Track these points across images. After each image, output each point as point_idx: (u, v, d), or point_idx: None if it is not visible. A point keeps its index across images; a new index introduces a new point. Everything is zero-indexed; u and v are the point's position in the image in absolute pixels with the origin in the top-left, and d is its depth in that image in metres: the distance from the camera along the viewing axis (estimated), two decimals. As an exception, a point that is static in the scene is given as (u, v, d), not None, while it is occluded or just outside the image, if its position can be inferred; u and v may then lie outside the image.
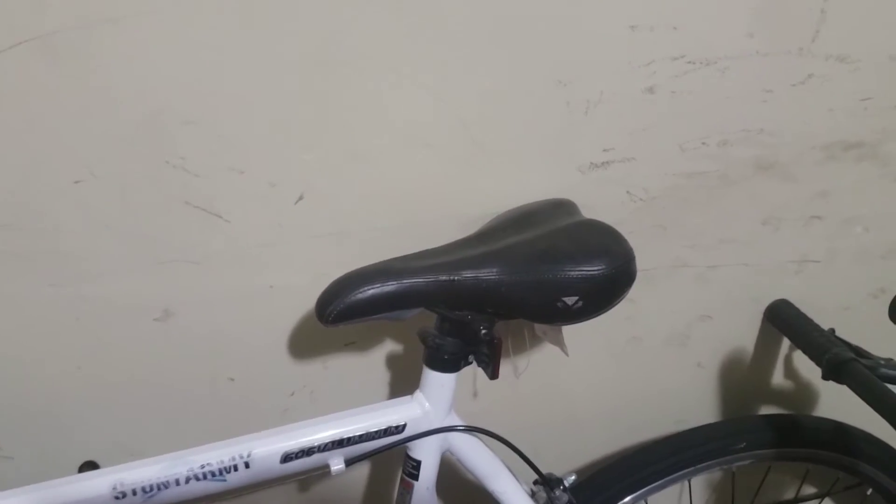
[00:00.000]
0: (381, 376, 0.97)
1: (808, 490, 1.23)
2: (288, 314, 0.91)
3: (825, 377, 0.90)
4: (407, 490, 0.85)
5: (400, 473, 0.85)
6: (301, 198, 0.83)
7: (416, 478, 0.84)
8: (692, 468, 1.00)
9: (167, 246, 0.83)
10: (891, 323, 1.08)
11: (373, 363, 0.96)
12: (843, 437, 1.06)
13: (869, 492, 1.16)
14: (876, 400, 0.83)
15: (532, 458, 0.83)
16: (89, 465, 0.93)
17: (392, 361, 0.96)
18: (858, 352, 0.92)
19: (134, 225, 0.81)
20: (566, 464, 1.11)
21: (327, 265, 0.85)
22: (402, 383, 0.98)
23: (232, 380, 0.93)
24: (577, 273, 0.75)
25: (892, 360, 0.91)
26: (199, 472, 0.76)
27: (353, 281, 0.74)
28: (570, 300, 0.76)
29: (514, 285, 0.75)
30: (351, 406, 0.97)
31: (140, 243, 0.82)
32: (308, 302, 0.87)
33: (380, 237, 0.87)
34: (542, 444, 1.03)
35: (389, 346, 0.96)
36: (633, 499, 0.99)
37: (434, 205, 0.87)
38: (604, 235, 0.79)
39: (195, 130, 0.77)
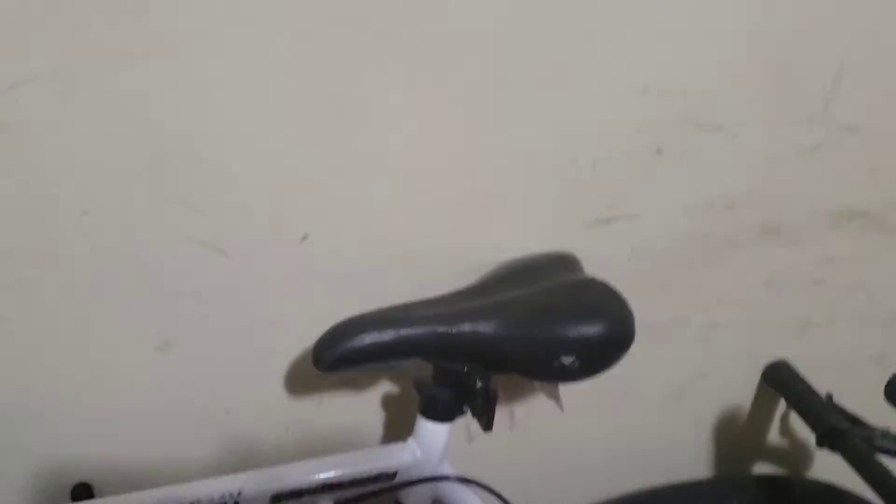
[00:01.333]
0: (376, 417, 0.97)
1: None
2: (286, 351, 0.91)
3: (819, 444, 0.89)
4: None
5: (390, 519, 0.85)
6: (305, 237, 0.84)
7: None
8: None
9: (169, 279, 0.83)
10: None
11: (368, 403, 0.96)
12: (832, 501, 1.06)
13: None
14: (866, 472, 0.83)
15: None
16: (83, 487, 0.94)
17: (387, 402, 0.96)
18: (855, 421, 0.91)
19: (138, 257, 0.81)
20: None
21: (327, 305, 0.84)
22: (397, 425, 0.98)
23: (228, 412, 0.94)
24: (574, 333, 0.75)
25: (888, 430, 0.91)
26: (188, 509, 0.76)
27: (351, 328, 0.74)
28: (566, 360, 0.76)
29: (511, 341, 0.75)
30: (345, 443, 0.98)
31: (143, 275, 0.82)
32: (306, 340, 0.86)
33: (380, 280, 0.87)
34: (535, 494, 1.04)
35: (385, 387, 0.96)
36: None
37: (436, 252, 0.87)
38: (603, 296, 0.79)
39: (203, 169, 0.78)
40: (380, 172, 0.82)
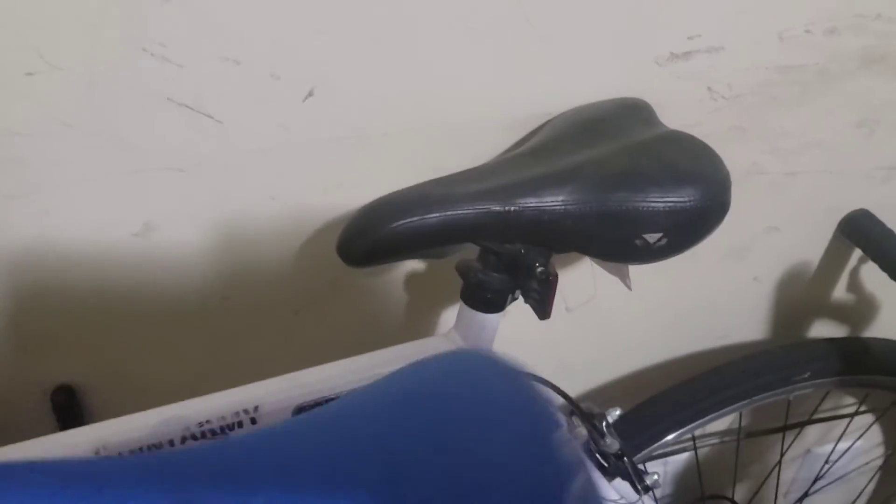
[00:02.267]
0: (403, 302, 0.84)
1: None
2: (291, 229, 0.76)
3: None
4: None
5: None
6: (311, 94, 0.67)
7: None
8: (747, 401, 0.89)
9: (146, 151, 0.67)
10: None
11: (392, 285, 0.82)
12: (908, 361, 0.97)
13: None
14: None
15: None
16: (63, 389, 0.82)
17: (418, 286, 0.82)
18: (957, 280, 0.80)
19: (105, 125, 0.64)
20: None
21: (341, 174, 0.71)
22: (430, 312, 0.85)
23: (226, 299, 0.79)
24: (663, 204, 0.60)
25: None
26: (196, 430, 0.64)
27: (385, 212, 0.59)
28: (651, 237, 0.61)
29: (583, 217, 0.60)
30: (364, 331, 0.85)
31: (113, 147, 0.66)
32: (316, 216, 0.74)
33: (406, 142, 0.71)
34: (581, 375, 0.93)
35: (413, 267, 0.81)
36: (680, 433, 0.89)
37: (474, 103, 0.71)
38: (697, 155, 0.63)
39: (178, 10, 0.59)
40: (403, 3, 0.64)
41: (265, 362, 0.83)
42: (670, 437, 0.89)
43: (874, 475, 1.27)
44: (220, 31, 0.61)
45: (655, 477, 0.79)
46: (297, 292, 0.81)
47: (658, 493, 1.25)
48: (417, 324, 0.86)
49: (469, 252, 0.66)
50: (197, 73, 0.63)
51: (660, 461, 1.16)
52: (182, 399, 0.64)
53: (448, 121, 0.71)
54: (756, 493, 1.22)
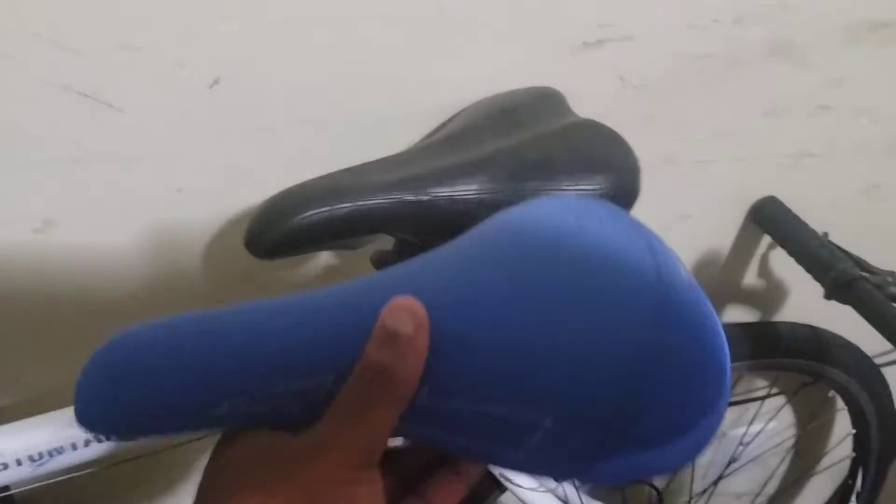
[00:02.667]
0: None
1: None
2: (201, 222, 0.73)
3: (829, 296, 0.80)
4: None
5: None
6: (216, 81, 0.64)
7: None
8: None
9: (42, 141, 0.64)
10: (876, 220, 0.99)
11: (312, 276, 0.80)
12: (816, 344, 0.99)
13: (830, 393, 1.11)
14: (886, 325, 0.74)
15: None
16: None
17: (337, 276, 0.81)
18: (862, 265, 0.82)
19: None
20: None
21: (251, 164, 0.69)
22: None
23: (135, 298, 0.76)
24: (574, 192, 0.60)
25: (895, 273, 0.82)
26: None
27: (294, 202, 0.57)
28: (565, 224, 0.61)
29: (497, 206, 0.59)
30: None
31: (8, 138, 0.62)
32: (225, 207, 0.72)
33: (318, 130, 0.69)
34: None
35: (329, 260, 0.80)
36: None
37: (386, 91, 0.69)
38: (607, 143, 0.63)
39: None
40: (311, -9, 0.62)
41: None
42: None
43: (786, 455, 1.31)
44: (120, 16, 0.59)
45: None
46: (212, 288, 0.78)
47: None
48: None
49: (386, 243, 0.65)
50: (96, 60, 0.60)
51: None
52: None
53: (361, 109, 0.69)
54: (672, 478, 1.24)
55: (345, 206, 0.57)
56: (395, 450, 0.41)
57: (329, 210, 0.57)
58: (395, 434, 0.37)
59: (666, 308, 0.36)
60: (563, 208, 0.40)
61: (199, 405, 0.36)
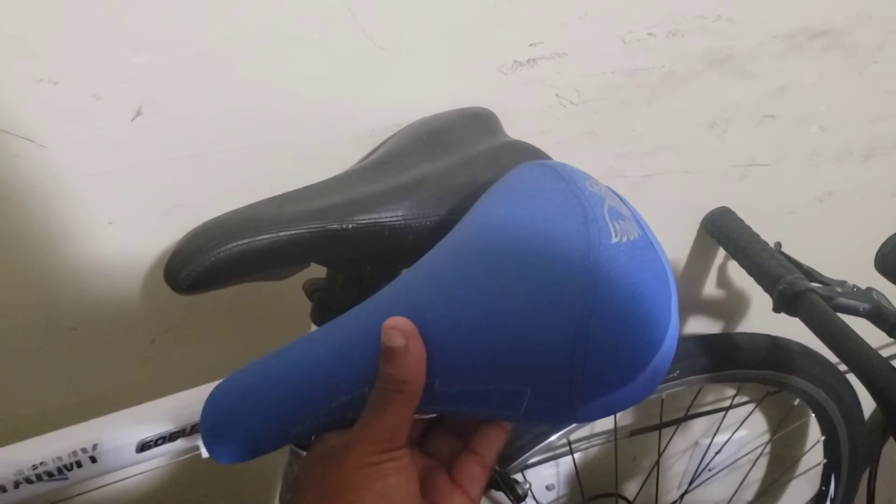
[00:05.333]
0: (257, 318, 0.81)
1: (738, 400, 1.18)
2: (135, 253, 0.72)
3: (777, 309, 0.78)
4: (296, 461, 0.72)
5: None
6: (139, 113, 0.63)
7: (307, 448, 0.70)
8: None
9: (-39, 181, 0.63)
10: (833, 228, 0.98)
11: (247, 304, 0.79)
12: (777, 354, 0.99)
13: (796, 402, 1.10)
14: (832, 339, 0.72)
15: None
16: None
17: (275, 302, 0.80)
18: (811, 275, 0.81)
19: None
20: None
21: (181, 195, 0.68)
22: (288, 329, 0.82)
23: (75, 329, 0.75)
24: (503, 214, 0.59)
25: (845, 283, 0.81)
26: (30, 474, 0.60)
27: (212, 236, 0.56)
28: (494, 248, 0.60)
29: (425, 232, 0.59)
30: (226, 353, 0.82)
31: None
32: (159, 239, 0.71)
33: (247, 159, 0.68)
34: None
35: (267, 287, 0.79)
36: (558, 437, 0.89)
37: (316, 117, 0.68)
38: (535, 163, 0.62)
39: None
40: (230, 16, 0.61)
41: (125, 393, 0.79)
42: (552, 438, 0.89)
43: (756, 461, 1.30)
44: (31, 49, 0.58)
45: (527, 486, 0.79)
46: (151, 319, 0.77)
47: (554, 493, 1.26)
48: (280, 342, 0.83)
49: (321, 270, 0.64)
50: (10, 94, 0.59)
51: (552, 463, 1.16)
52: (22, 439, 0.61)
53: (290, 137, 0.68)
54: (641, 488, 1.23)
55: (265, 238, 0.56)
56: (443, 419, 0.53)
57: (248, 242, 0.55)
58: (429, 413, 0.49)
59: (595, 276, 0.43)
60: (515, 199, 0.51)
61: (283, 431, 0.49)
